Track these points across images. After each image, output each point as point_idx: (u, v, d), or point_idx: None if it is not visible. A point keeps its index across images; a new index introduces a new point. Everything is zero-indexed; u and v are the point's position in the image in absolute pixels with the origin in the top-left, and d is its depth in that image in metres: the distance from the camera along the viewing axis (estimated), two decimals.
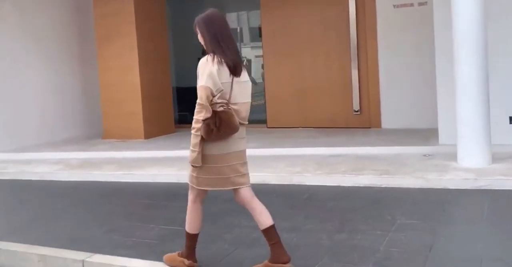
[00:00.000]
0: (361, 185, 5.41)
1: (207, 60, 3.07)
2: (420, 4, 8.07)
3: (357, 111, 8.65)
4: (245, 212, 4.62)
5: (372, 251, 3.58)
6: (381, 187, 5.31)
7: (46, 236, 4.31)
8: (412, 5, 8.13)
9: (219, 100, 3.08)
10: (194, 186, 3.29)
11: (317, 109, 8.94)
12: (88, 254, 3.79)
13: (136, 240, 4.07)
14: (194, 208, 3.37)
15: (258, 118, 9.84)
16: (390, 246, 3.66)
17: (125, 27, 8.58)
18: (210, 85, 3.02)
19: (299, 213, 4.58)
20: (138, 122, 8.59)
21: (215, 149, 3.15)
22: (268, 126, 9.36)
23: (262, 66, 11.43)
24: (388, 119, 8.42)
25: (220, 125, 3.05)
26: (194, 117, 3.07)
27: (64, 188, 6.17)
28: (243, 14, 10.71)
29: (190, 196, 3.36)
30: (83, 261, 3.71)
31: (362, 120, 8.63)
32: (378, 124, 8.49)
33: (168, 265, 3.47)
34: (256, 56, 12.39)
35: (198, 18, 3.25)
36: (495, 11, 6.08)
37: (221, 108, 3.08)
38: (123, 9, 8.56)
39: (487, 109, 5.62)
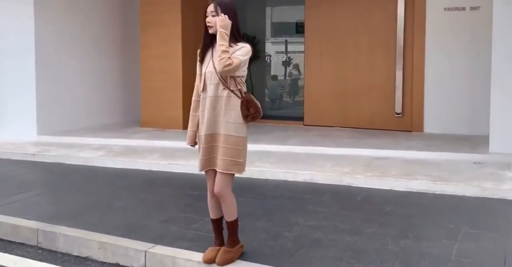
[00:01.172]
0: (414, 190, 5.29)
1: (250, 49, 3.24)
2: (472, 8, 7.89)
3: (399, 114, 8.50)
4: (300, 209, 4.59)
5: (444, 260, 3.47)
6: (435, 194, 5.19)
7: (102, 222, 4.27)
8: (463, 9, 7.95)
9: (244, 90, 3.29)
10: (239, 173, 3.30)
11: (357, 109, 8.80)
12: (150, 244, 3.73)
13: (195, 233, 4.00)
14: (232, 196, 3.38)
15: (295, 115, 9.77)
16: (461, 255, 3.55)
17: (170, 15, 8.52)
18: (242, 64, 3.18)
19: (357, 215, 4.48)
20: (177, 112, 8.54)
21: (246, 130, 3.31)
22: (305, 124, 9.25)
23: (283, 63, 11.35)
24: (430, 124, 8.26)
25: (257, 106, 3.28)
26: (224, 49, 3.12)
27: (110, 174, 6.14)
28: (287, 9, 10.62)
29: (229, 188, 3.34)
30: (145, 251, 3.65)
31: (404, 123, 8.48)
32: (420, 128, 8.33)
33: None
34: (277, 52, 12.32)
35: (229, 2, 3.25)
36: None
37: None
38: None
39: None
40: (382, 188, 5.39)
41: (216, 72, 3.19)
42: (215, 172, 3.31)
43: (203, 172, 3.39)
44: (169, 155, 6.71)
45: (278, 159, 6.44)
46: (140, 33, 8.87)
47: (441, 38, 8.09)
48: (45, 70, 8.13)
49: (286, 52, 12.48)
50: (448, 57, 8.09)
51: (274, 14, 12.01)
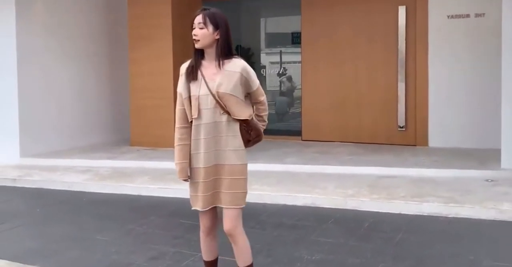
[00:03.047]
0: (425, 214, 4.87)
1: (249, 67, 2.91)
2: (477, 15, 7.54)
3: (402, 128, 8.10)
4: (302, 240, 4.15)
5: None
6: (448, 217, 4.78)
7: (82, 261, 3.84)
8: (468, 16, 7.59)
9: None
10: (245, 205, 2.90)
11: (358, 123, 8.41)
12: None
13: None
14: (245, 234, 2.93)
15: (293, 129, 9.34)
16: None
17: (160, 30, 8.11)
18: None
19: (366, 246, 4.05)
20: (169, 130, 8.02)
21: (247, 156, 2.94)
22: (303, 139, 8.84)
23: (278, 74, 11.03)
24: (435, 138, 7.87)
25: (257, 129, 2.95)
26: (264, 114, 2.98)
27: (95, 201, 5.68)
28: (282, 19, 10.27)
29: (241, 225, 2.88)
30: None
31: (407, 137, 8.08)
32: (424, 142, 7.93)
33: None
34: (272, 63, 11.95)
35: (220, 13, 2.83)
36: None
37: None
38: (159, 11, 8.09)
39: None
40: (390, 211, 4.97)
41: (213, 95, 2.77)
42: (212, 207, 2.89)
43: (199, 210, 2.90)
44: (160, 177, 6.27)
45: (277, 180, 6.01)
46: (129, 49, 8.46)
47: (445, 48, 7.73)
48: (28, 89, 7.66)
49: (281, 63, 12.14)
50: (453, 68, 7.72)
51: (268, 25, 11.67)
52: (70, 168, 6.99)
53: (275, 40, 11.50)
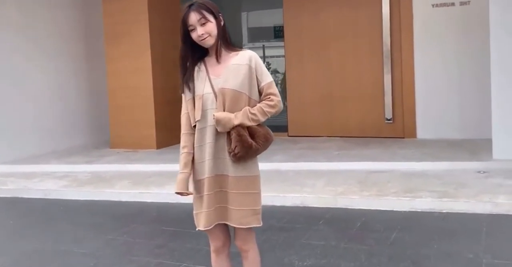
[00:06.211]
0: (419, 210, 4.69)
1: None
2: (462, 3, 7.37)
3: (389, 120, 7.93)
4: (293, 244, 3.93)
5: None
6: (443, 213, 4.60)
7: None
8: (453, 4, 7.43)
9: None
10: (258, 225, 2.50)
11: (345, 116, 8.21)
12: None
13: None
14: (257, 249, 2.62)
15: (278, 125, 9.11)
16: None
17: (137, 25, 7.81)
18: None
19: (360, 247, 3.84)
20: (150, 130, 7.82)
21: (258, 167, 2.53)
22: (289, 135, 8.63)
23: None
24: (424, 129, 7.71)
25: (238, 141, 2.43)
26: (266, 109, 2.45)
27: (72, 209, 5.39)
28: (264, 13, 10.02)
29: (255, 240, 2.57)
30: None
31: (395, 129, 7.91)
32: (412, 134, 7.77)
33: None
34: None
35: (213, 3, 2.45)
36: None
37: None
38: (135, 6, 7.80)
39: None
40: (382, 209, 4.77)
41: (215, 93, 2.42)
42: (221, 224, 2.51)
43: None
44: (141, 181, 6.00)
45: (264, 179, 5.69)
46: (105, 46, 8.14)
47: (430, 37, 7.56)
48: (1, 92, 7.33)
49: (265, 57, 11.95)
50: (439, 57, 7.56)
51: (250, 19, 11.40)
52: (48, 174, 6.67)
53: (257, 35, 11.25)
